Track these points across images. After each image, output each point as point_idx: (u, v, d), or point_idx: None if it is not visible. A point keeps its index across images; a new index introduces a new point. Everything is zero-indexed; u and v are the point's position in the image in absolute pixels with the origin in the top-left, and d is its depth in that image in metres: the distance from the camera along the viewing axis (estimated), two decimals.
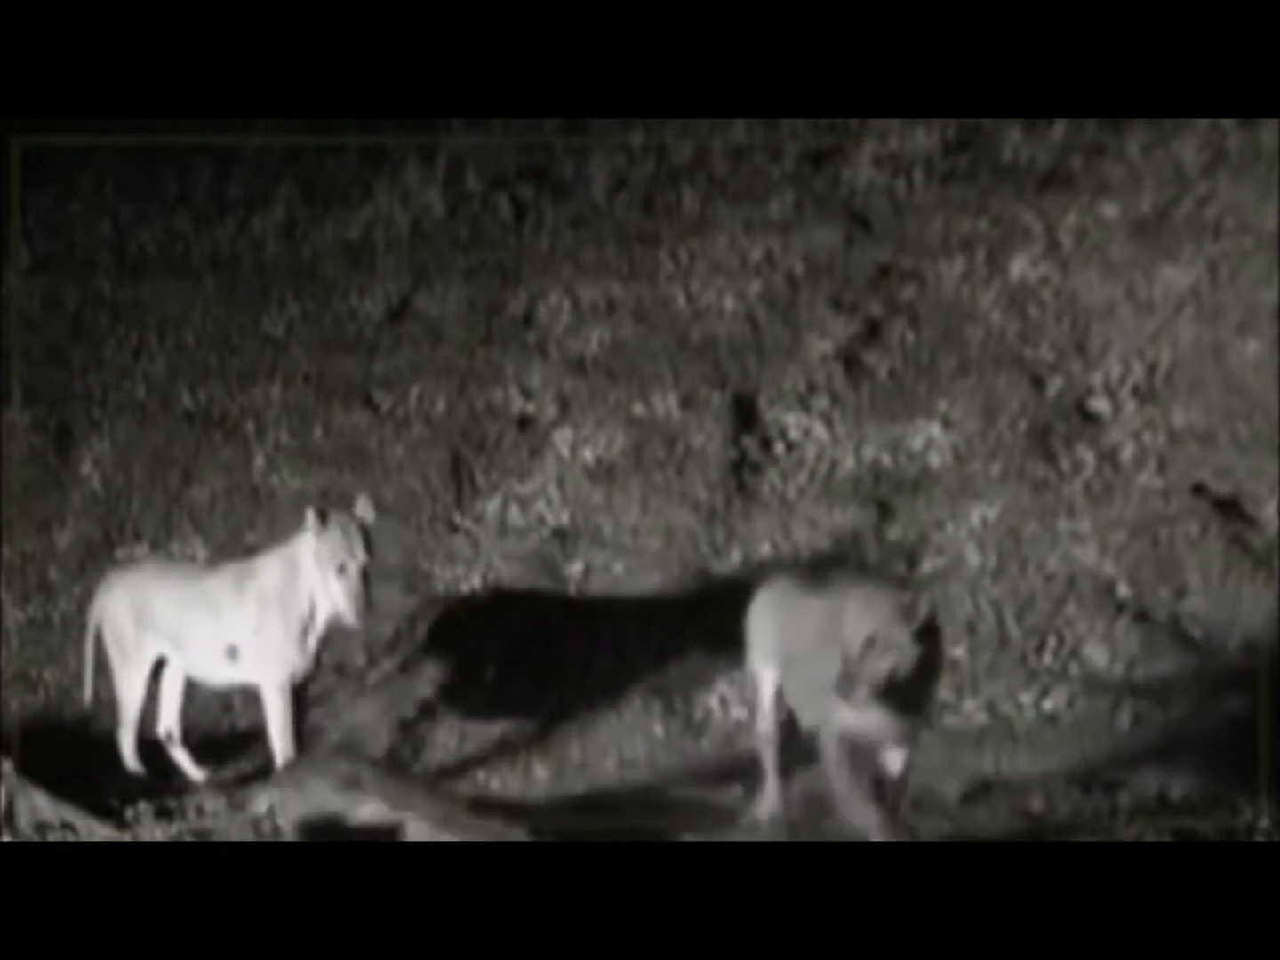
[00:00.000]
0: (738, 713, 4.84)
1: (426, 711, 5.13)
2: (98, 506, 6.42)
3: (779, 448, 5.91)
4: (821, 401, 6.00)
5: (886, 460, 5.71)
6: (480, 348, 6.55)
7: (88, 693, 4.93)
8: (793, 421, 5.96)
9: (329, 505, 6.07)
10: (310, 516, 4.08)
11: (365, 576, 3.95)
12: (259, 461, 6.39)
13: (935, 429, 5.71)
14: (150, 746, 4.80)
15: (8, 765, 3.57)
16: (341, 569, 3.96)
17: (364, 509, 4.05)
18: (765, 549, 5.50)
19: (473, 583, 5.69)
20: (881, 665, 2.96)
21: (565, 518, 5.85)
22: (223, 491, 6.35)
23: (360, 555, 3.95)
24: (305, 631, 4.26)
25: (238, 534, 6.14)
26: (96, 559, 6.11)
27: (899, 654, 2.98)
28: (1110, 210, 5.91)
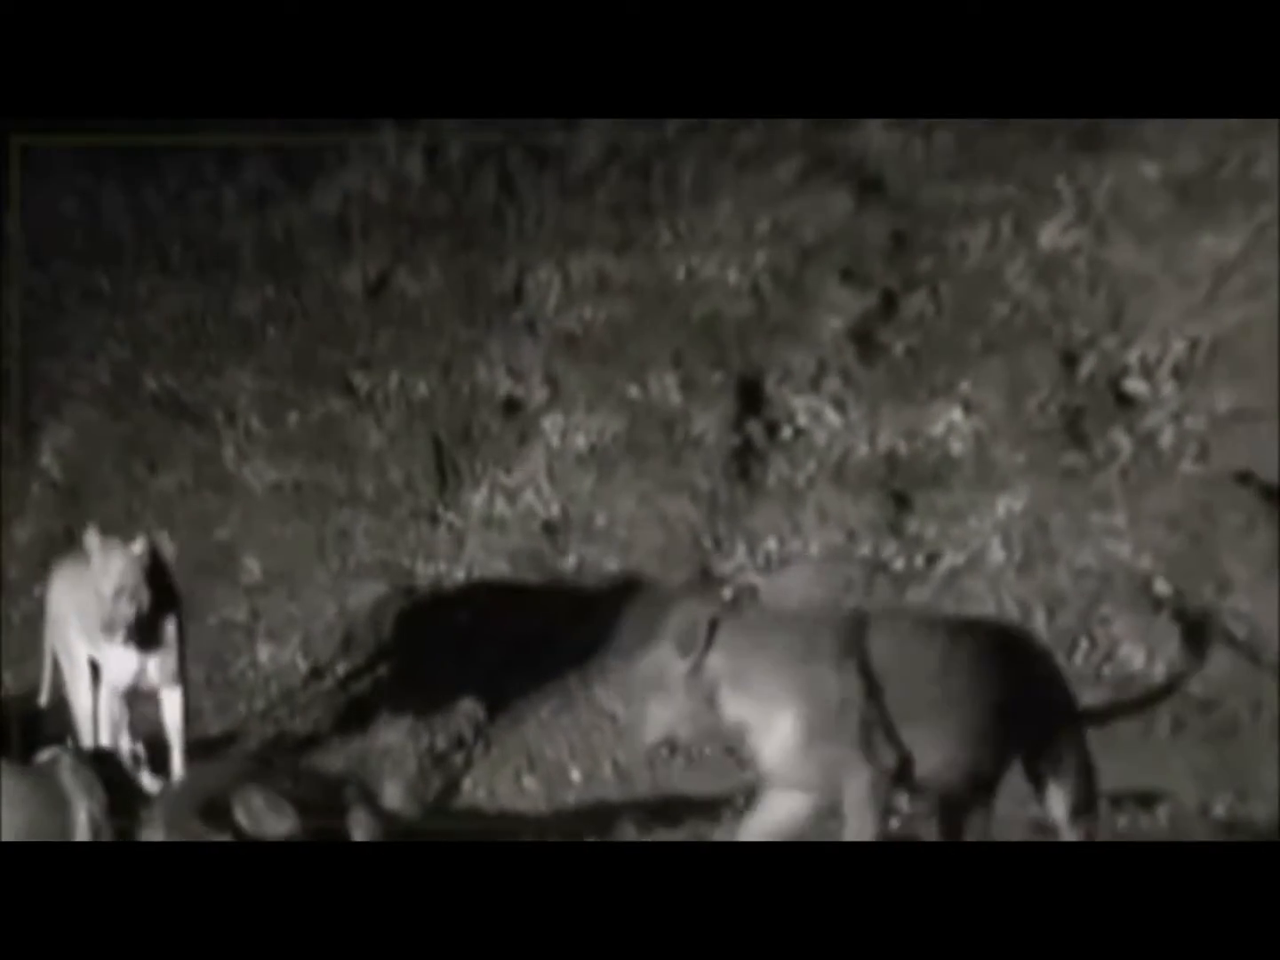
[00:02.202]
0: None
1: (405, 714, 4.90)
2: (58, 498, 6.22)
3: (786, 433, 5.67)
4: (832, 383, 5.75)
5: (903, 447, 5.47)
6: (464, 327, 6.32)
7: (43, 697, 4.73)
8: (801, 405, 5.72)
9: (303, 498, 5.97)
10: (91, 542, 4.13)
11: (138, 603, 4.00)
12: (230, 451, 6.16)
13: (956, 412, 5.47)
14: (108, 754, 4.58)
15: None
16: (119, 593, 3.87)
17: (140, 547, 4.11)
18: (771, 543, 5.26)
19: (456, 579, 5.46)
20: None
21: (556, 509, 5.60)
22: (191, 483, 6.13)
23: (130, 581, 3.97)
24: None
25: (207, 528, 5.93)
26: (58, 554, 5.88)
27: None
28: (1149, 171, 5.64)
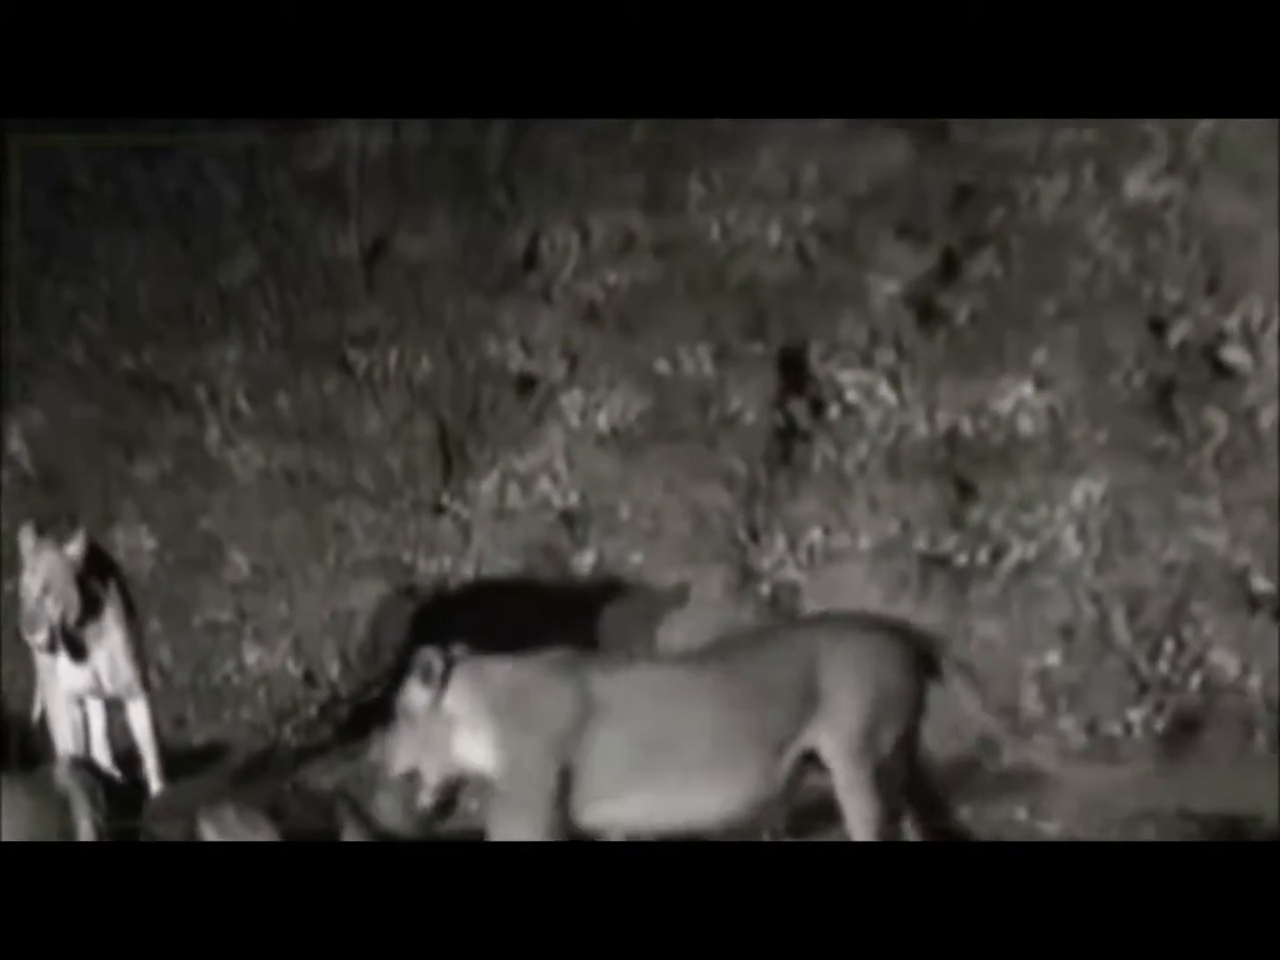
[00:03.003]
0: None
1: None
2: (29, 488, 6.45)
3: (833, 412, 5.76)
4: (886, 355, 5.83)
5: (966, 426, 5.53)
6: (472, 296, 6.46)
7: (36, 708, 4.94)
8: (851, 380, 5.80)
9: (294, 487, 6.16)
10: (25, 542, 4.38)
11: (62, 603, 4.26)
12: (214, 434, 6.35)
13: (1027, 387, 5.52)
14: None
15: None
16: (46, 590, 4.20)
17: (75, 548, 4.34)
18: (815, 536, 5.36)
19: (462, 576, 5.60)
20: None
21: (574, 498, 5.72)
22: (172, 470, 6.33)
23: (59, 583, 4.22)
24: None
25: (190, 519, 6.14)
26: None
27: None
28: None
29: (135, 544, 6.15)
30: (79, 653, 4.44)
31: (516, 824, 3.18)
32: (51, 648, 4.38)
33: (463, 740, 3.30)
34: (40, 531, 4.49)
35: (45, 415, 6.68)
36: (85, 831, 3.56)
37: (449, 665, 3.34)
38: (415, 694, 3.35)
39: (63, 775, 3.70)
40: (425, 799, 3.35)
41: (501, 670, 3.40)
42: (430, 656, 3.36)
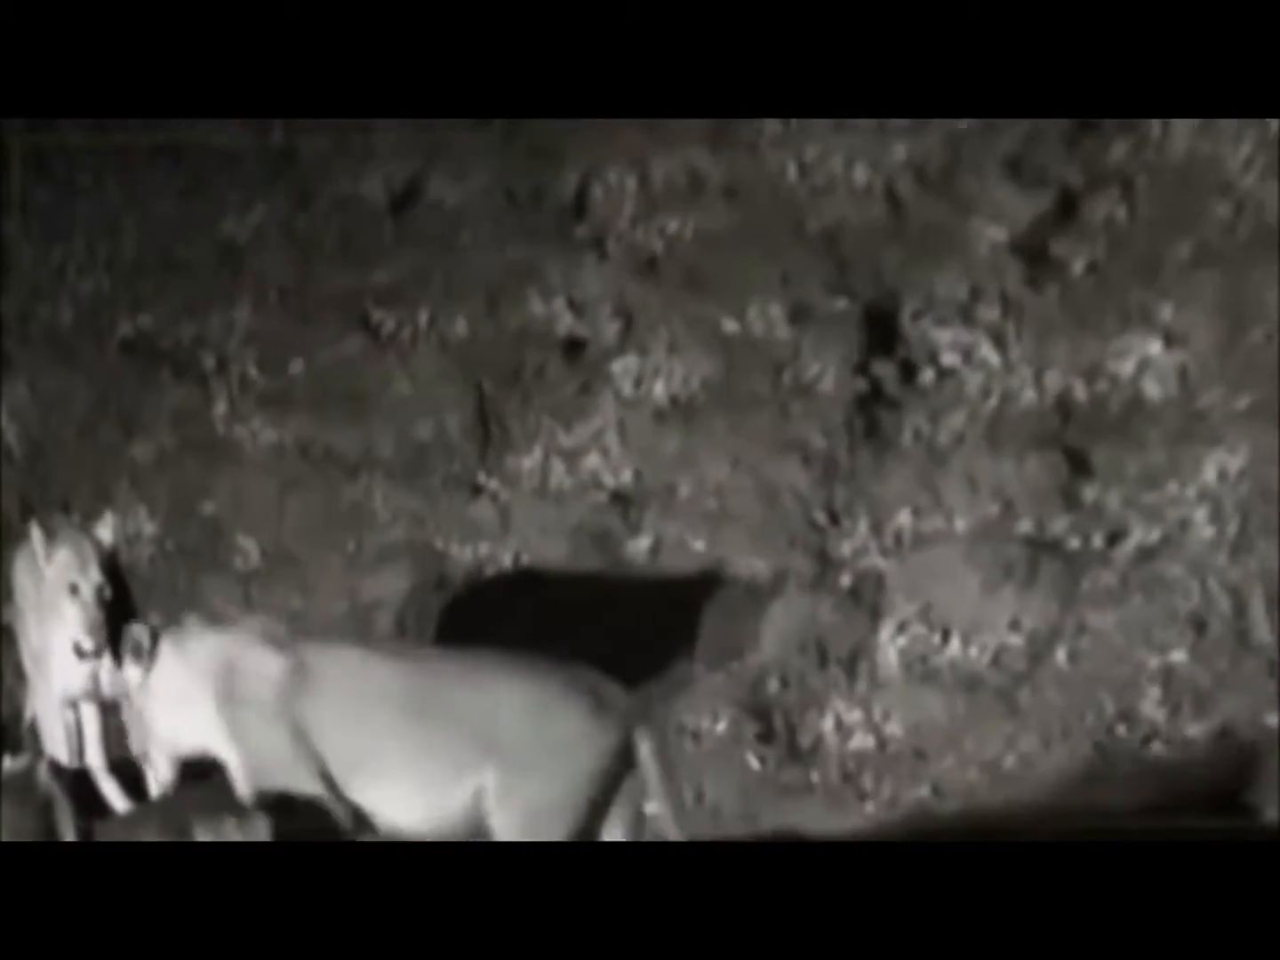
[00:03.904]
0: (860, 740, 4.89)
1: None
2: (15, 470, 6.71)
3: (926, 377, 5.90)
4: (990, 311, 5.96)
5: (1081, 392, 5.66)
6: (513, 247, 6.66)
7: (29, 711, 5.20)
8: (948, 340, 5.94)
9: (309, 464, 6.41)
10: (34, 532, 4.55)
11: (101, 600, 4.37)
12: (220, 407, 6.62)
13: (1154, 345, 5.63)
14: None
15: None
16: (74, 590, 4.29)
17: (105, 531, 4.50)
18: (904, 518, 5.51)
19: (501, 564, 5.82)
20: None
21: (627, 476, 5.93)
22: (174, 448, 6.59)
23: (95, 576, 4.28)
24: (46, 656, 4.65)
25: (192, 502, 6.38)
26: (15, 538, 6.44)
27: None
28: None
29: (132, 530, 6.39)
30: (116, 654, 4.37)
31: (287, 798, 3.63)
32: (98, 653, 4.38)
33: (178, 716, 3.80)
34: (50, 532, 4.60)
35: (29, 387, 6.91)
36: (68, 835, 3.92)
37: (155, 639, 3.83)
38: (129, 672, 3.86)
39: (44, 776, 4.03)
40: (160, 778, 3.75)
41: (208, 643, 3.83)
42: (139, 633, 3.85)
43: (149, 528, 6.42)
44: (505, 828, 3.60)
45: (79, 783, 4.37)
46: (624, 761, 3.62)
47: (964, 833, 3.78)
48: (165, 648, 3.90)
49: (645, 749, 3.63)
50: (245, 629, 3.94)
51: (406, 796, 3.69)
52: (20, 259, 7.36)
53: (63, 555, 4.49)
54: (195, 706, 3.83)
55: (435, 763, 3.68)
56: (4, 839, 3.85)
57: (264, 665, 3.80)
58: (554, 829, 3.57)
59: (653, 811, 3.68)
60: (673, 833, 3.63)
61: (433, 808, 3.69)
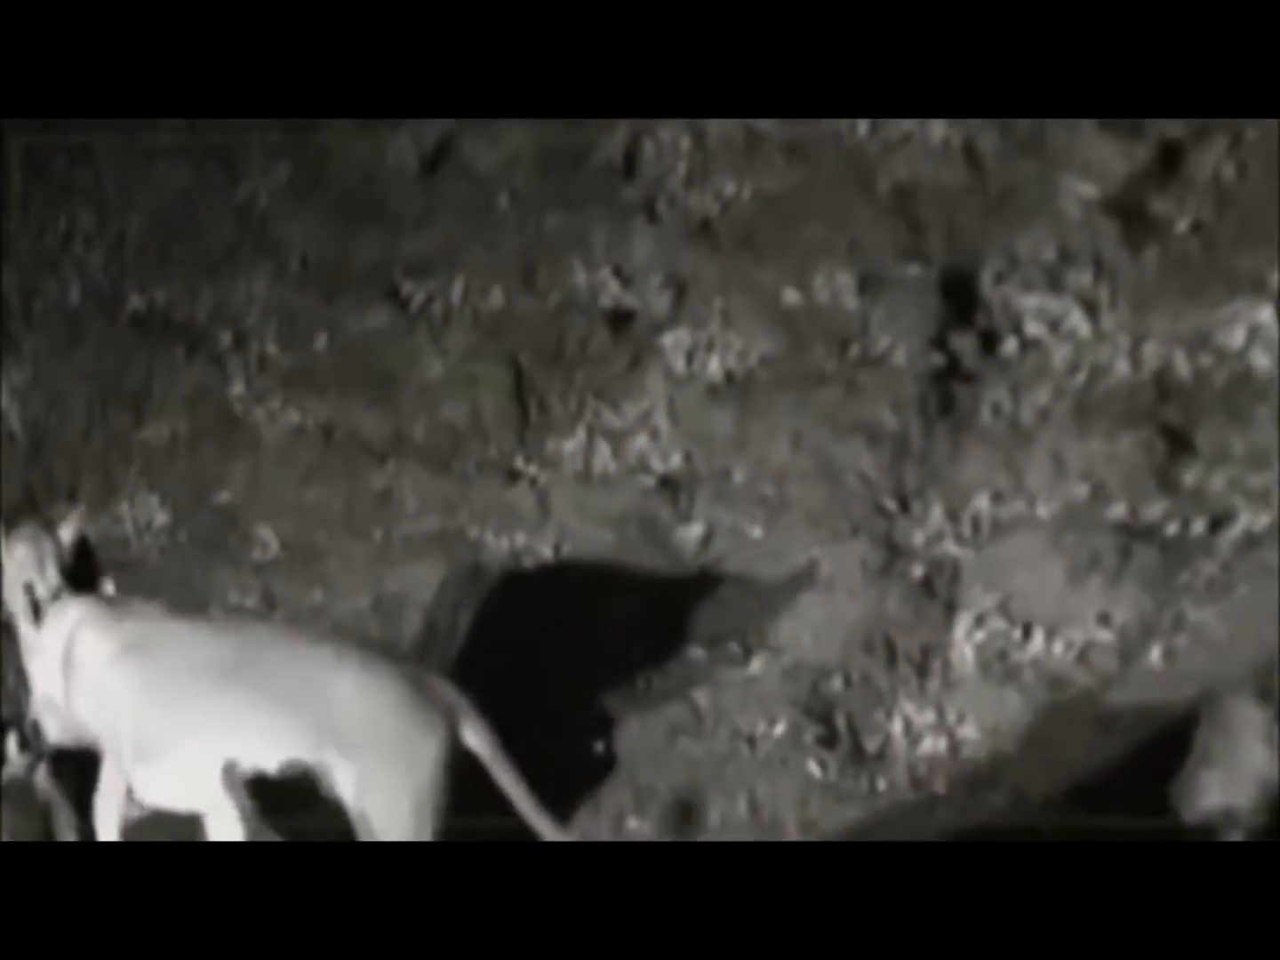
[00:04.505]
0: (931, 744, 4.98)
1: None
2: (18, 455, 6.94)
3: (1009, 348, 5.98)
4: (1080, 275, 6.02)
5: (1181, 364, 5.70)
6: (555, 212, 6.81)
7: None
8: (1033, 307, 6.01)
9: (333, 448, 6.59)
10: None
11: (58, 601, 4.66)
12: (237, 387, 6.84)
13: (1264, 313, 5.67)
14: None
15: None
16: (28, 589, 4.53)
17: (67, 531, 4.74)
18: (982, 503, 5.60)
19: (540, 555, 5.98)
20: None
21: (677, 460, 6.06)
22: (187, 431, 6.81)
23: (52, 578, 4.51)
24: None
25: (207, 490, 6.59)
26: (19, 527, 6.66)
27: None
28: None
29: (143, 519, 6.64)
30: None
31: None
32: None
33: (46, 678, 4.30)
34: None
35: (34, 367, 7.17)
36: (68, 837, 4.17)
37: (37, 606, 4.32)
38: (24, 632, 4.38)
39: (43, 780, 4.26)
40: (49, 737, 4.06)
41: (68, 609, 4.31)
42: (41, 594, 4.35)
43: (160, 517, 6.63)
44: (372, 817, 3.90)
45: (80, 785, 4.56)
46: (456, 757, 3.93)
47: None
48: (49, 611, 4.37)
49: (478, 745, 3.95)
50: (97, 598, 4.43)
51: (203, 772, 4.08)
52: (23, 228, 7.59)
53: (20, 553, 4.74)
54: (53, 668, 4.32)
55: (246, 740, 4.04)
56: (4, 840, 4.10)
57: (101, 633, 4.26)
58: (423, 819, 3.89)
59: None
60: (544, 829, 3.89)
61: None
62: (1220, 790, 3.60)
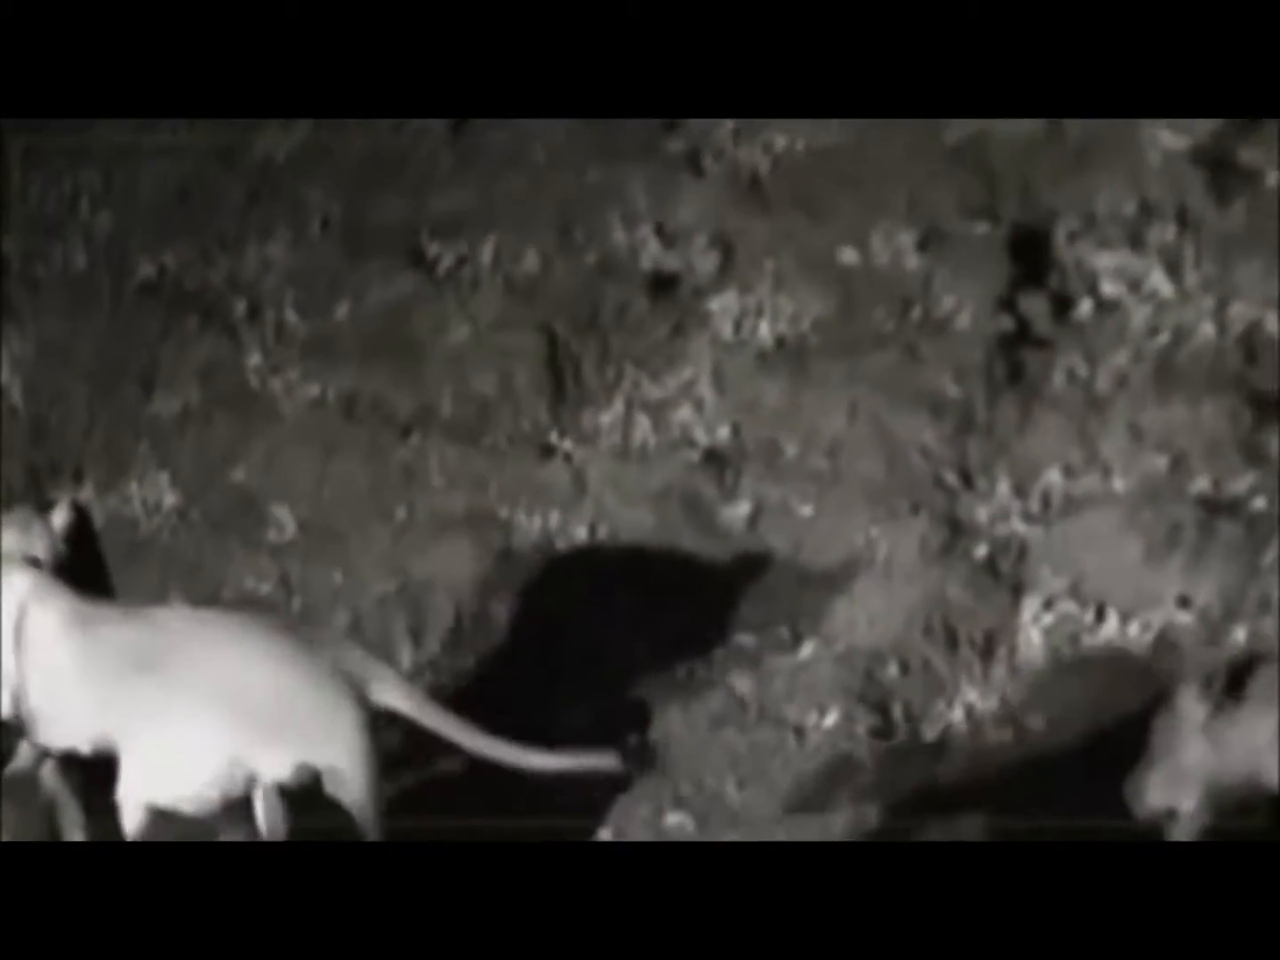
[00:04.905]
0: (996, 735, 4.99)
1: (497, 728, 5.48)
2: (20, 432, 7.06)
3: (1084, 310, 5.97)
4: (1163, 231, 6.01)
5: (1271, 326, 5.67)
6: (592, 167, 6.86)
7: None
8: (1111, 266, 6.00)
9: (354, 422, 6.67)
10: None
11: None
12: (254, 358, 6.93)
13: None
14: None
15: None
16: (35, 563, 4.65)
17: (59, 516, 4.83)
18: (1053, 477, 5.60)
19: (575, 536, 6.02)
20: None
21: (723, 432, 6.08)
22: (200, 404, 6.90)
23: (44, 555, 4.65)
24: None
25: (221, 467, 6.68)
26: (9, 511, 6.77)
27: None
28: None
29: (152, 498, 6.74)
30: None
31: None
32: None
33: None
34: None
35: (38, 338, 7.30)
36: (75, 837, 4.28)
37: None
38: None
39: (49, 777, 4.37)
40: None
41: (14, 582, 4.51)
42: None
43: (170, 497, 6.73)
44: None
45: (89, 782, 4.65)
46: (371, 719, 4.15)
47: None
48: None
49: (395, 700, 4.14)
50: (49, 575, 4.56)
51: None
52: (25, 190, 7.71)
53: (8, 538, 4.84)
54: (8, 644, 4.46)
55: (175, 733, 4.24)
56: (7, 839, 4.21)
57: (47, 611, 4.42)
58: (361, 791, 4.11)
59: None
60: (505, 755, 4.15)
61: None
62: (1164, 790, 3.65)
